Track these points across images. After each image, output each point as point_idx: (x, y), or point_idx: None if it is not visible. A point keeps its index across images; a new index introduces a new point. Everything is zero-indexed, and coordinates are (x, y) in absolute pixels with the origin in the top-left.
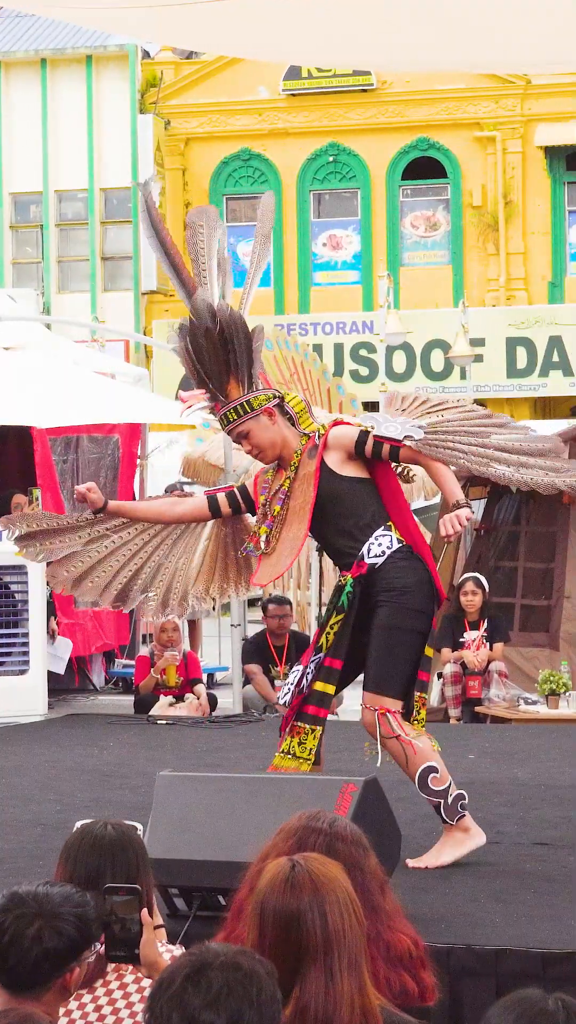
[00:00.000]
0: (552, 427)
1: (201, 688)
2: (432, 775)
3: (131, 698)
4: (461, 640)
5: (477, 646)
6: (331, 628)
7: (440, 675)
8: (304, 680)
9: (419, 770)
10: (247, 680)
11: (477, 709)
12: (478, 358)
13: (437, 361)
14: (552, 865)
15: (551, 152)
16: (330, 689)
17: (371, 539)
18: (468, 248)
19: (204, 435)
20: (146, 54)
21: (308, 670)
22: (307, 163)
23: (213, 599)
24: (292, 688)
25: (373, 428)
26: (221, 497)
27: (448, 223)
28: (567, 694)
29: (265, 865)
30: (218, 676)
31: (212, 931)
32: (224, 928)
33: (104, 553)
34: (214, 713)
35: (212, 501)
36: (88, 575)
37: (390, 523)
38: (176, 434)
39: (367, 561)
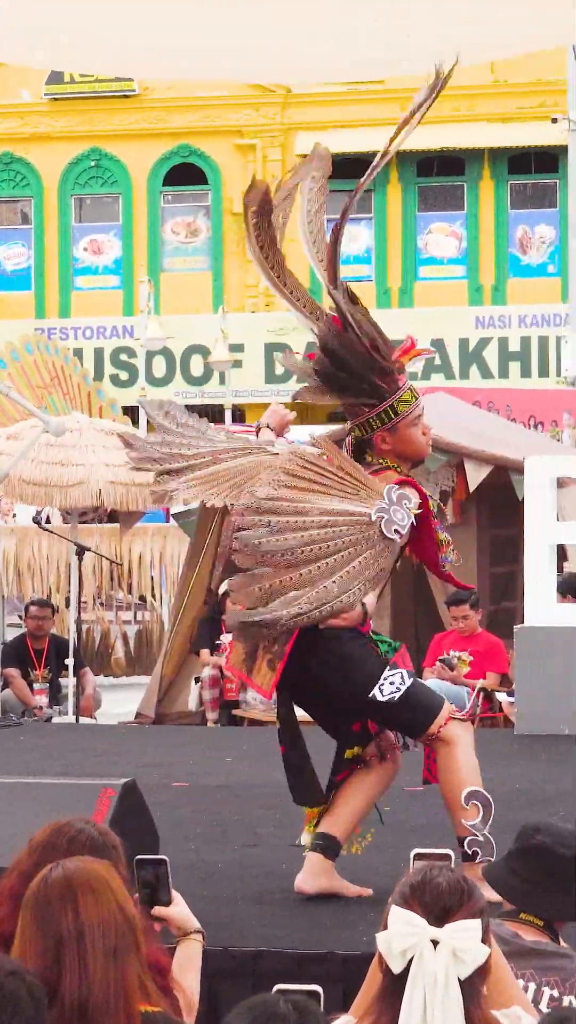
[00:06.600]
0: (312, 431)
1: None
2: None
3: None
4: (219, 643)
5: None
6: None
7: (198, 679)
8: None
9: None
10: (6, 684)
11: (235, 712)
12: (237, 364)
13: (197, 366)
14: None
15: None
16: None
17: None
18: (228, 254)
19: None
20: None
21: None
22: (69, 167)
23: None
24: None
25: None
26: None
27: (208, 229)
28: None
29: (12, 878)
30: None
31: None
32: None
33: None
34: None
35: None
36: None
37: None
38: None
39: None
